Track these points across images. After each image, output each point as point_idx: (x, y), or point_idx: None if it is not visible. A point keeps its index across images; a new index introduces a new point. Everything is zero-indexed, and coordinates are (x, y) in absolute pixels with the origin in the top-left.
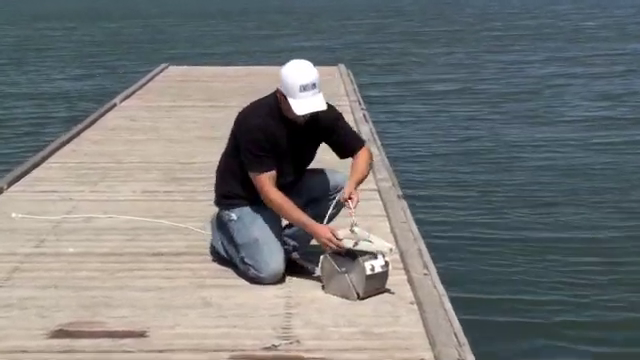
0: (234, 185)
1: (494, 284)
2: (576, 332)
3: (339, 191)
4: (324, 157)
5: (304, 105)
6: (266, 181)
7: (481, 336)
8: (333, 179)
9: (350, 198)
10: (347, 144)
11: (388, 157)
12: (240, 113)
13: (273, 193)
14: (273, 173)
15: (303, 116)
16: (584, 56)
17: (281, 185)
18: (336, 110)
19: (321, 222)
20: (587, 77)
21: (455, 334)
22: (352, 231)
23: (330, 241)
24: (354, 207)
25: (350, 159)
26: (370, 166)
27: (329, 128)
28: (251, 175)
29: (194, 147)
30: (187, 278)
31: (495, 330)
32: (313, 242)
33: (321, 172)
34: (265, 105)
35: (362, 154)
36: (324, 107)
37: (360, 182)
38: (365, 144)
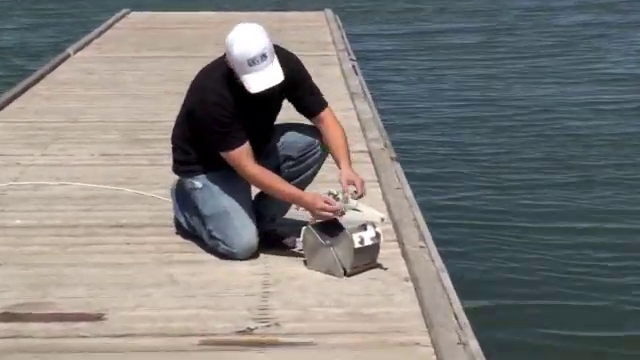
0: (194, 153)
1: (500, 259)
2: (593, 316)
3: (316, 147)
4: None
5: (257, 81)
6: (242, 156)
7: (485, 317)
8: (305, 134)
9: (353, 183)
10: (308, 104)
11: (381, 115)
12: (193, 89)
13: (252, 167)
14: (247, 146)
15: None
16: (621, 1)
17: (255, 147)
18: (299, 62)
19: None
20: (627, 27)
21: (455, 315)
22: (336, 198)
23: (325, 210)
24: (360, 191)
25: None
26: (344, 135)
27: (291, 83)
28: (223, 155)
29: (160, 103)
30: (151, 253)
31: (502, 311)
32: (293, 211)
33: (290, 128)
34: (218, 75)
35: (331, 123)
36: (280, 79)
37: (350, 161)
38: (327, 106)
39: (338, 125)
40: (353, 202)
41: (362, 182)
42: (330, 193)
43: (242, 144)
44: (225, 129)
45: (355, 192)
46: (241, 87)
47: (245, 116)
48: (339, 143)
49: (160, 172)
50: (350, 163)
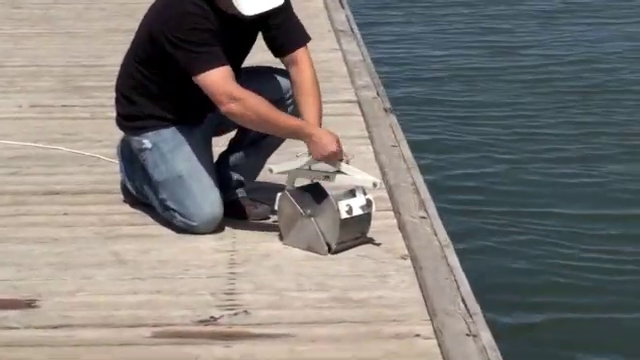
0: (142, 103)
1: (517, 232)
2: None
3: (291, 97)
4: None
5: (253, 3)
6: (226, 79)
7: (500, 303)
8: (277, 81)
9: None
10: (286, 37)
11: (372, 56)
12: (158, 6)
13: (239, 91)
14: (228, 67)
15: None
16: None
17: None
18: None
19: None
20: None
21: (463, 300)
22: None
23: (338, 150)
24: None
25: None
26: (318, 84)
27: (272, 13)
28: (200, 78)
29: (103, 44)
30: (93, 226)
31: (520, 295)
32: (266, 174)
33: (264, 72)
34: None
35: (305, 69)
36: (280, 2)
37: (321, 115)
38: (306, 46)
39: (313, 74)
40: (340, 164)
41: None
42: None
43: (222, 63)
44: (205, 44)
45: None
46: (217, 10)
47: (222, 44)
48: (310, 95)
49: (104, 127)
50: (319, 120)
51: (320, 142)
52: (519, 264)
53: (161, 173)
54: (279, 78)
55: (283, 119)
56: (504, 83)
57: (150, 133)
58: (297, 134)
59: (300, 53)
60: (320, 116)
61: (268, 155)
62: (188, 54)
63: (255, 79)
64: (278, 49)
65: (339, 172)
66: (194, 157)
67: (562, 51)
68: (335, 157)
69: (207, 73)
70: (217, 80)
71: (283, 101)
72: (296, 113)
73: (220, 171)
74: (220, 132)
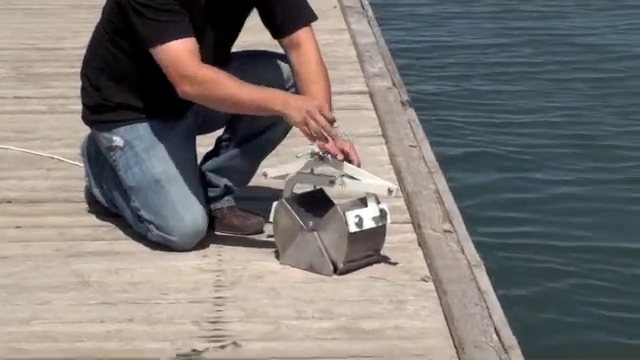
0: (115, 89)
1: (560, 250)
2: None
3: (292, 86)
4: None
5: None
6: (186, 53)
7: (539, 334)
8: (276, 67)
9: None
10: (287, 14)
11: (387, 39)
12: None
13: (200, 68)
14: (194, 43)
15: None
16: None
17: None
18: None
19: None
20: None
21: (496, 331)
22: (321, 158)
23: (318, 113)
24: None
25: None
26: (325, 68)
27: None
28: (155, 51)
29: (65, 23)
30: (51, 242)
31: (561, 323)
32: (259, 179)
33: (259, 57)
34: None
35: (307, 46)
36: None
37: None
38: (311, 25)
39: (319, 56)
40: (348, 165)
41: (352, 146)
42: (313, 153)
43: (187, 35)
44: (168, 11)
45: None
46: None
47: (195, 20)
48: (317, 81)
49: (65, 122)
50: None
51: (295, 105)
52: (563, 288)
53: (134, 176)
54: (279, 63)
55: (247, 93)
56: (546, 81)
57: (122, 128)
58: (267, 107)
59: (303, 34)
60: (330, 102)
61: (263, 156)
62: (145, 21)
63: (249, 66)
64: (276, 29)
65: (347, 176)
66: (174, 158)
67: (621, 42)
68: (317, 123)
69: (164, 45)
70: (174, 54)
71: (288, 89)
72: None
73: (205, 175)
74: (206, 129)
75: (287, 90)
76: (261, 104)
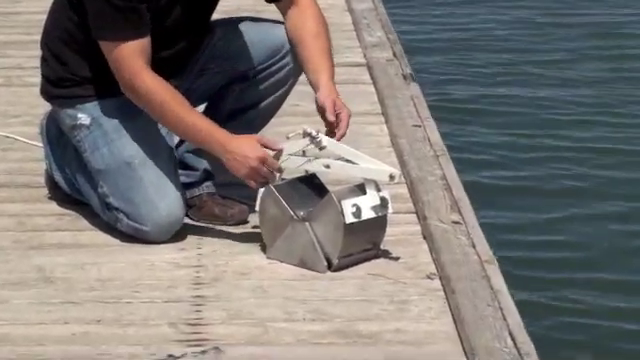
0: (80, 62)
1: (581, 244)
2: None
3: (287, 53)
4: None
5: None
6: (131, 54)
7: (558, 338)
8: (267, 32)
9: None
10: None
11: (387, 5)
12: None
13: (146, 78)
14: (144, 42)
15: None
16: None
17: (166, 59)
18: None
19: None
20: None
21: (511, 335)
22: (314, 139)
23: (263, 167)
24: (343, 131)
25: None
26: (327, 25)
27: None
28: (103, 45)
29: None
30: (8, 232)
31: (582, 326)
32: None
33: (239, 24)
34: None
35: (308, 7)
36: None
37: (334, 74)
38: None
39: (319, 12)
40: (343, 148)
41: (349, 116)
42: (305, 133)
43: (137, 35)
44: (121, 3)
45: (331, 132)
46: None
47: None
48: (318, 43)
49: (23, 97)
50: (333, 76)
51: (237, 157)
52: (585, 288)
53: (102, 158)
54: (267, 31)
55: (189, 120)
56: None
57: (88, 105)
58: (208, 145)
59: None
60: (331, 69)
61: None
62: (96, 6)
63: (234, 35)
64: None
65: (344, 160)
66: (147, 138)
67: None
68: (258, 178)
69: (111, 43)
70: (120, 55)
71: (274, 61)
72: (292, 77)
73: (182, 158)
74: None
75: (279, 58)
76: (200, 140)
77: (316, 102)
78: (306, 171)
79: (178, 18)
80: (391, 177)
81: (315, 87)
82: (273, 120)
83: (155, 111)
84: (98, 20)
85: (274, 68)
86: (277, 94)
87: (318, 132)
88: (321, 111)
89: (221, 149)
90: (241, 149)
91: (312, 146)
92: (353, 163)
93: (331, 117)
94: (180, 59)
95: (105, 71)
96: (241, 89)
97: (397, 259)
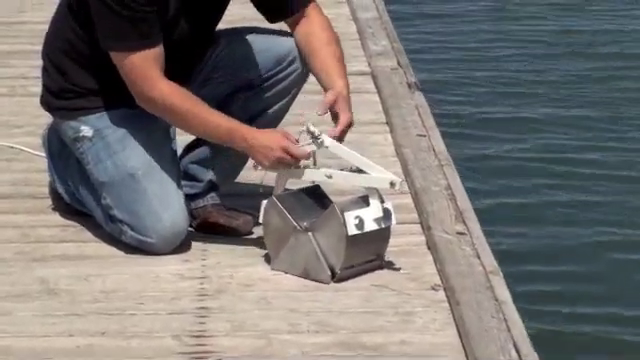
0: (82, 73)
1: (586, 256)
2: None
3: (293, 61)
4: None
5: None
6: (146, 63)
7: (564, 349)
8: (273, 41)
9: (334, 114)
10: None
11: (392, 14)
12: None
13: (159, 83)
14: (158, 51)
15: None
16: None
17: (172, 71)
18: None
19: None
20: None
21: (516, 347)
22: (316, 138)
23: (287, 154)
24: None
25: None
26: (339, 41)
27: None
28: (115, 56)
29: None
30: (12, 244)
31: (588, 338)
32: (248, 173)
33: (245, 34)
34: None
35: (318, 20)
36: None
37: (348, 81)
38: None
39: (328, 23)
40: (345, 149)
41: (349, 121)
42: (308, 131)
43: (150, 45)
44: (130, 13)
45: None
46: None
47: (171, 8)
48: (331, 49)
49: (27, 107)
50: (347, 79)
51: (260, 148)
52: (593, 299)
53: (106, 171)
54: (272, 40)
55: (215, 121)
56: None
57: (91, 117)
58: (231, 141)
59: (308, 9)
60: (345, 74)
61: None
62: (106, 21)
63: (238, 44)
64: (275, 12)
65: (347, 170)
66: (151, 149)
67: None
68: (284, 164)
69: (124, 54)
70: (134, 65)
71: (280, 68)
72: (296, 85)
73: (187, 169)
74: None
75: (285, 66)
76: (223, 138)
77: (326, 97)
78: (311, 182)
79: (184, 31)
80: (392, 184)
81: (329, 87)
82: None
83: (175, 117)
84: (108, 31)
85: (279, 77)
86: (282, 102)
87: (321, 132)
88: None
89: (244, 144)
90: (264, 142)
91: (314, 145)
92: (354, 172)
93: (320, 110)
94: (185, 70)
95: (107, 82)
96: (246, 98)
97: (401, 270)
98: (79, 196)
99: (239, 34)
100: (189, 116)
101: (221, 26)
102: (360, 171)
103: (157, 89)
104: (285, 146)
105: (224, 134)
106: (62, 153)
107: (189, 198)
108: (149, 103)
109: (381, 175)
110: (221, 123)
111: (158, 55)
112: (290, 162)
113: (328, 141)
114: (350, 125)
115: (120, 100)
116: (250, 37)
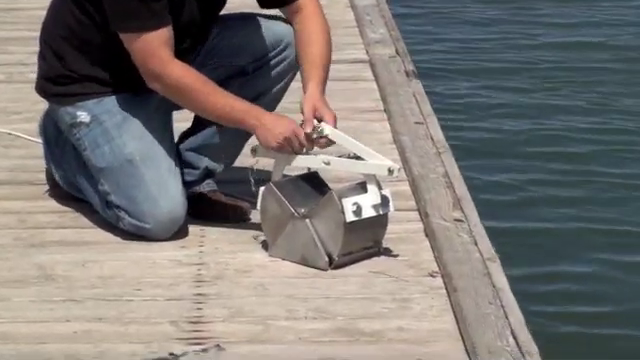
0: (80, 59)
1: (584, 243)
2: None
3: (286, 47)
4: None
5: None
6: (158, 44)
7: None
8: (269, 28)
9: (318, 119)
10: None
11: (390, 1)
12: None
13: (172, 64)
14: (168, 32)
15: None
16: None
17: (177, 54)
18: None
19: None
20: None
21: (513, 334)
22: (317, 133)
23: (295, 139)
24: (328, 136)
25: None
26: (331, 45)
27: None
28: (126, 37)
29: None
30: (9, 230)
31: (587, 326)
32: (245, 158)
33: (244, 20)
34: None
35: (313, 14)
36: None
37: (325, 81)
38: None
39: (322, 19)
40: (345, 137)
41: (334, 119)
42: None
43: (162, 24)
44: None
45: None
46: None
47: None
48: (312, 48)
49: (24, 93)
50: (323, 83)
51: (271, 128)
52: (591, 286)
53: (103, 156)
54: (267, 28)
55: (228, 103)
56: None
57: (88, 102)
58: (242, 122)
59: (304, 0)
60: (323, 75)
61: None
62: (116, 3)
63: (234, 28)
64: (268, 1)
65: (345, 156)
66: (149, 135)
67: None
68: (290, 147)
69: (134, 34)
70: (147, 46)
71: (274, 54)
72: (291, 70)
73: (183, 155)
74: None
75: (279, 52)
76: (234, 119)
77: (301, 103)
78: (308, 169)
79: (191, 14)
80: (390, 171)
81: (304, 88)
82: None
83: (186, 97)
84: (119, 12)
85: (273, 62)
86: (276, 88)
87: (320, 120)
88: (304, 111)
89: (256, 123)
90: (275, 122)
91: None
92: (353, 158)
93: (307, 128)
94: (187, 54)
95: (107, 68)
96: (240, 83)
97: (399, 257)
98: (76, 183)
99: (234, 20)
100: (201, 97)
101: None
102: (358, 158)
103: (169, 69)
104: (294, 129)
105: (236, 114)
106: (58, 140)
107: (185, 185)
108: (160, 83)
109: (379, 162)
110: (234, 104)
111: (169, 36)
112: (295, 147)
113: (328, 129)
114: (335, 119)
115: (118, 86)
116: (244, 23)
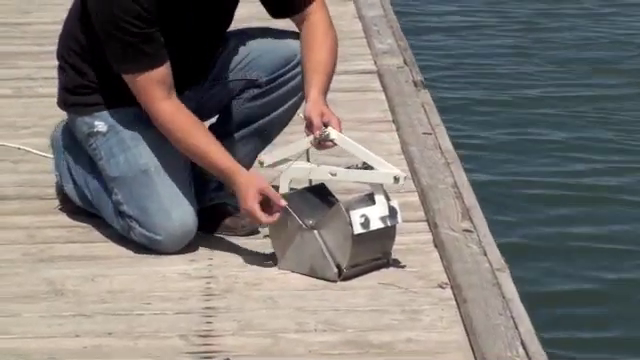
0: (96, 73)
1: (594, 252)
2: None
3: (298, 64)
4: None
5: None
6: (151, 84)
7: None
8: (281, 43)
9: (325, 124)
10: None
11: (397, 12)
12: None
13: (166, 107)
14: (164, 70)
15: None
16: None
17: (180, 71)
18: None
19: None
20: None
21: (523, 344)
22: (324, 138)
23: (254, 212)
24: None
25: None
26: (336, 52)
27: None
28: (123, 75)
29: None
30: (18, 245)
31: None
32: (254, 169)
33: (254, 35)
34: None
35: (319, 22)
36: None
37: (327, 88)
38: None
39: (329, 26)
40: (352, 143)
41: (340, 124)
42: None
43: (156, 65)
44: (133, 38)
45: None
46: None
47: (179, 13)
48: (320, 55)
49: (33, 108)
50: (325, 89)
51: (239, 194)
52: (601, 296)
53: (118, 166)
54: (278, 43)
55: (212, 156)
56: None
57: (105, 112)
58: (224, 179)
59: (313, 8)
60: (325, 82)
61: (264, 144)
62: (114, 47)
63: (245, 44)
64: (281, 9)
65: (354, 167)
66: (164, 146)
67: None
68: (253, 213)
69: (130, 74)
70: (140, 86)
71: (287, 69)
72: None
73: (195, 168)
74: (199, 116)
75: (292, 68)
76: (214, 172)
77: (304, 117)
78: (310, 181)
79: (191, 29)
80: (396, 179)
81: (306, 96)
82: (284, 129)
83: (172, 138)
84: (115, 55)
85: (286, 77)
86: (289, 103)
87: (327, 126)
88: (308, 125)
89: (229, 182)
90: (242, 190)
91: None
92: (361, 168)
93: (316, 134)
94: (194, 70)
95: (119, 83)
96: (253, 98)
97: (408, 268)
98: (88, 194)
99: (247, 35)
100: (188, 140)
101: (231, 25)
102: (365, 168)
103: (160, 109)
104: (251, 210)
105: (213, 169)
106: (72, 151)
107: (196, 197)
108: (154, 121)
109: (385, 170)
110: (214, 156)
111: (163, 74)
112: (253, 222)
113: (334, 133)
114: (340, 123)
115: (131, 98)
116: (257, 38)
